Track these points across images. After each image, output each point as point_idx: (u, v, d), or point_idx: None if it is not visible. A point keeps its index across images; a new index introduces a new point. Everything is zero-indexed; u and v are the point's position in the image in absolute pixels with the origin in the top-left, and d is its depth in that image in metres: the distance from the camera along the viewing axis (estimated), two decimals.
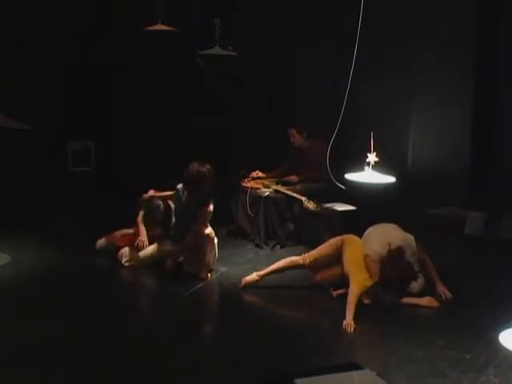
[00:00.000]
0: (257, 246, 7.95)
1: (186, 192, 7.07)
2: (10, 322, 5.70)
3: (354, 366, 4.41)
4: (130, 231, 7.38)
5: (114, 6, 9.38)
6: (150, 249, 7.17)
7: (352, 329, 5.66)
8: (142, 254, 7.13)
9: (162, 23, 8.30)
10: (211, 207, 6.91)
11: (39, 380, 4.76)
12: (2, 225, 7.97)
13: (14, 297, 6.27)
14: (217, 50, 8.33)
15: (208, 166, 6.92)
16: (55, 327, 5.58)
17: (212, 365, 5.13)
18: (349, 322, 5.71)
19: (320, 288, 6.50)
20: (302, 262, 6.57)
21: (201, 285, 6.63)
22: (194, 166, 6.92)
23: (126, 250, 7.20)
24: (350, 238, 6.48)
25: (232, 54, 8.39)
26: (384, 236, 6.41)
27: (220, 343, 5.58)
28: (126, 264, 7.13)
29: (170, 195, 7.24)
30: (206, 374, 4.95)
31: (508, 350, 4.30)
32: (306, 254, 6.60)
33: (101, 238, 7.53)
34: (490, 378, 4.83)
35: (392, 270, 6.16)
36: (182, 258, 7.01)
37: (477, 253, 7.54)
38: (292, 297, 6.46)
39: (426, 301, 6.21)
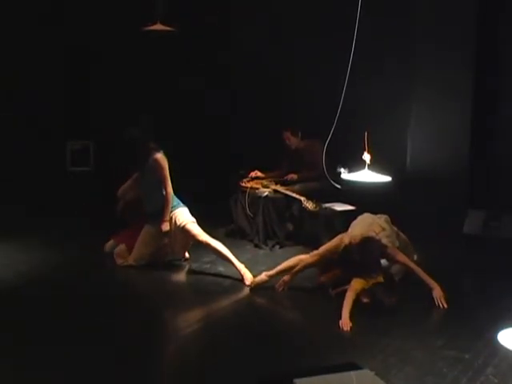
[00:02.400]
0: (256, 246, 7.95)
1: (138, 173, 7.19)
2: (10, 322, 5.70)
3: (353, 366, 4.41)
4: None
5: (114, 7, 9.37)
6: (140, 245, 7.16)
7: (348, 327, 5.66)
8: (134, 253, 7.13)
9: (161, 23, 8.31)
10: (158, 155, 6.99)
11: (39, 379, 4.76)
12: (2, 225, 7.99)
13: (14, 297, 6.28)
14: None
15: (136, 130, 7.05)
16: (55, 327, 5.59)
17: (212, 364, 5.13)
18: (345, 321, 5.71)
19: (320, 288, 6.49)
20: (310, 260, 6.55)
21: None
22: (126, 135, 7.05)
23: (120, 250, 7.20)
24: None
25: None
26: (368, 226, 6.51)
27: (219, 343, 5.58)
28: (124, 264, 7.14)
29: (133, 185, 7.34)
30: (206, 374, 4.95)
31: (507, 350, 4.32)
32: (314, 252, 6.57)
33: (109, 240, 7.47)
34: (489, 377, 4.83)
35: (356, 256, 6.18)
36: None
37: (476, 252, 7.55)
38: (292, 297, 6.45)
39: (438, 291, 6.19)
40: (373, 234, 6.40)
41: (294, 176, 8.25)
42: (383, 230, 6.57)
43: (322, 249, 6.53)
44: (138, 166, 7.18)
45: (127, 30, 9.05)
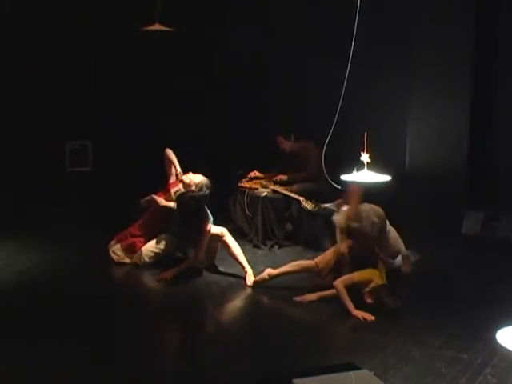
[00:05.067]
0: (255, 246, 7.96)
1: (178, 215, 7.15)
2: (10, 322, 5.71)
3: (352, 366, 4.41)
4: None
5: (113, 8, 9.38)
6: (151, 246, 7.18)
7: (371, 317, 5.75)
8: (140, 252, 7.15)
9: (160, 23, 8.32)
10: (209, 226, 6.95)
11: (39, 379, 4.76)
12: (2, 225, 7.99)
13: (14, 297, 6.29)
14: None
15: (196, 196, 6.98)
16: (55, 327, 5.59)
17: (211, 364, 5.14)
18: (362, 314, 5.79)
19: (319, 288, 6.48)
20: (314, 267, 6.53)
21: None
22: (185, 198, 6.96)
23: (115, 249, 7.22)
24: None
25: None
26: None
27: (218, 342, 5.59)
28: (120, 261, 7.16)
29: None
30: (205, 373, 4.96)
31: (505, 350, 4.33)
32: (318, 259, 6.54)
33: (112, 239, 7.41)
34: (488, 377, 4.84)
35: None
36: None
37: (474, 252, 7.55)
38: (291, 297, 6.44)
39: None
40: (354, 223, 6.29)
41: (283, 177, 8.28)
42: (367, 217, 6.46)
43: (324, 259, 6.51)
44: (182, 217, 7.07)
45: (126, 30, 9.05)
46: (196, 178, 7.31)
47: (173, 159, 7.45)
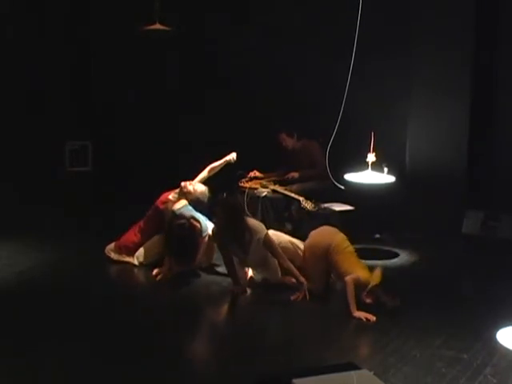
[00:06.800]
0: None
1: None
2: (10, 322, 5.71)
3: (352, 366, 4.42)
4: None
5: (113, 8, 9.37)
6: (149, 247, 7.18)
7: (373, 317, 5.75)
8: (140, 252, 7.15)
9: (160, 23, 8.32)
10: (204, 240, 6.92)
11: (39, 379, 4.76)
12: (2, 225, 7.99)
13: (14, 297, 6.29)
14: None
15: (184, 224, 6.79)
16: (55, 327, 5.60)
17: (210, 364, 5.14)
18: (363, 314, 5.79)
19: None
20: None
21: None
22: (173, 228, 6.77)
23: (109, 247, 7.24)
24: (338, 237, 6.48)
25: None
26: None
27: (218, 342, 5.59)
28: (115, 258, 7.19)
29: None
30: (204, 374, 4.96)
31: (505, 349, 4.33)
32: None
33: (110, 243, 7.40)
34: (488, 377, 4.84)
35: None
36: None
37: (474, 252, 7.56)
38: (290, 297, 6.45)
39: None
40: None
41: (294, 174, 8.27)
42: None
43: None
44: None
45: (126, 30, 9.05)
46: (197, 188, 7.24)
47: (204, 170, 7.40)
